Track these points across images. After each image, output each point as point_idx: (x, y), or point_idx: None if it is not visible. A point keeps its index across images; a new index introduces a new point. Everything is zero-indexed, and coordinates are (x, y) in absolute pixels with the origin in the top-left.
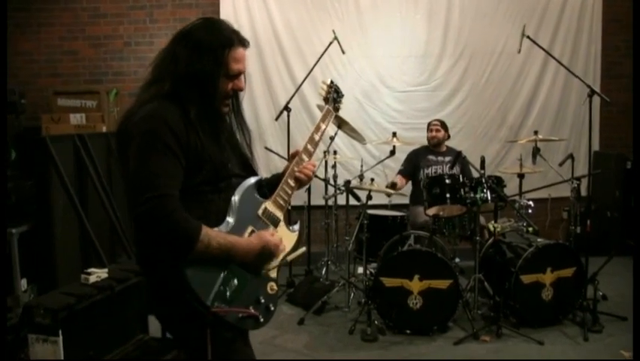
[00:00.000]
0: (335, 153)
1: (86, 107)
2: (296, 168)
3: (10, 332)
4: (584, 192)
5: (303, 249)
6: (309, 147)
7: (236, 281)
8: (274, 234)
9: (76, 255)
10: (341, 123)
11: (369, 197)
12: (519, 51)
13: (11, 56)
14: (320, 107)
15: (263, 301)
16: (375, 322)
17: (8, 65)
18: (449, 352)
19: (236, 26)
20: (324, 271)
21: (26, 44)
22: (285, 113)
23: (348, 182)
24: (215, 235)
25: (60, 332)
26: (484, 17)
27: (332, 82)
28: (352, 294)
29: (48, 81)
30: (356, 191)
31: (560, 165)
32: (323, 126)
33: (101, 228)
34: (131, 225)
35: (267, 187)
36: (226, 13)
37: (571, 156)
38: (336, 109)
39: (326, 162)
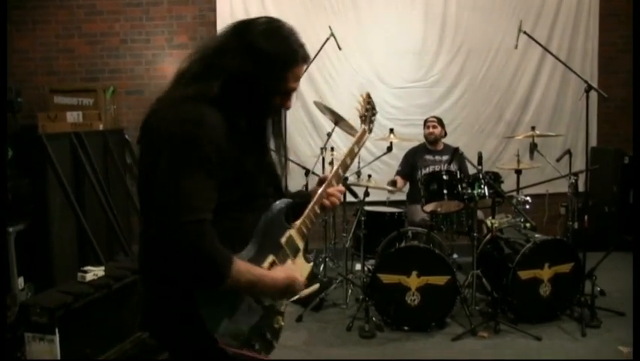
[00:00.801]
0: (332, 149)
1: (83, 105)
2: (324, 195)
3: (6, 331)
4: (581, 188)
5: (317, 285)
6: (340, 171)
7: (247, 315)
8: (299, 272)
9: (74, 253)
10: (338, 120)
11: (366, 193)
12: (516, 47)
13: (7, 54)
14: (317, 104)
15: (268, 336)
16: (373, 318)
17: None
18: (447, 348)
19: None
20: (322, 268)
21: (22, 42)
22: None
23: (345, 178)
24: (245, 270)
25: (57, 330)
26: (481, 13)
27: (369, 96)
28: (350, 291)
29: (44, 79)
30: (353, 188)
31: (558, 160)
32: (357, 150)
33: (98, 226)
34: (142, 234)
35: (290, 208)
36: (222, 9)
37: (568, 152)
38: (371, 130)
39: (323, 159)
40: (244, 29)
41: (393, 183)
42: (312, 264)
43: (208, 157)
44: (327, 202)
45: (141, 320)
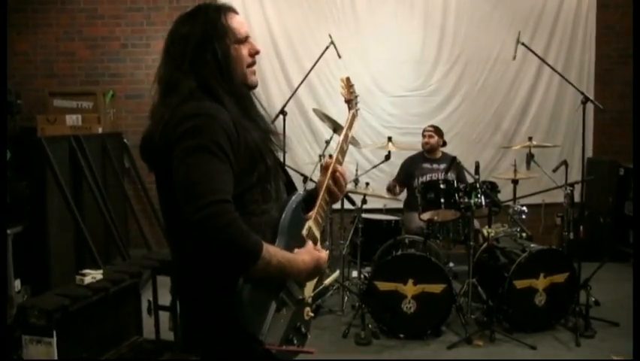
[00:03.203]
0: (330, 156)
1: (82, 108)
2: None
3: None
4: (577, 198)
5: (338, 272)
6: (340, 157)
7: (284, 310)
8: (318, 248)
9: (71, 256)
10: (337, 128)
11: (364, 201)
12: (514, 58)
13: (7, 57)
14: (316, 111)
15: (303, 329)
16: (369, 326)
17: None
18: (442, 356)
19: None
20: None
21: (22, 45)
22: (281, 117)
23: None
24: (274, 251)
25: (54, 333)
26: (479, 24)
27: (349, 80)
28: (346, 298)
29: (44, 82)
30: (351, 195)
31: (554, 171)
32: (350, 134)
33: (95, 229)
34: (172, 241)
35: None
36: None
37: (564, 163)
38: (357, 112)
39: (321, 166)
40: (171, 34)
41: (391, 188)
42: (328, 252)
43: (219, 143)
44: (334, 188)
45: (184, 340)
